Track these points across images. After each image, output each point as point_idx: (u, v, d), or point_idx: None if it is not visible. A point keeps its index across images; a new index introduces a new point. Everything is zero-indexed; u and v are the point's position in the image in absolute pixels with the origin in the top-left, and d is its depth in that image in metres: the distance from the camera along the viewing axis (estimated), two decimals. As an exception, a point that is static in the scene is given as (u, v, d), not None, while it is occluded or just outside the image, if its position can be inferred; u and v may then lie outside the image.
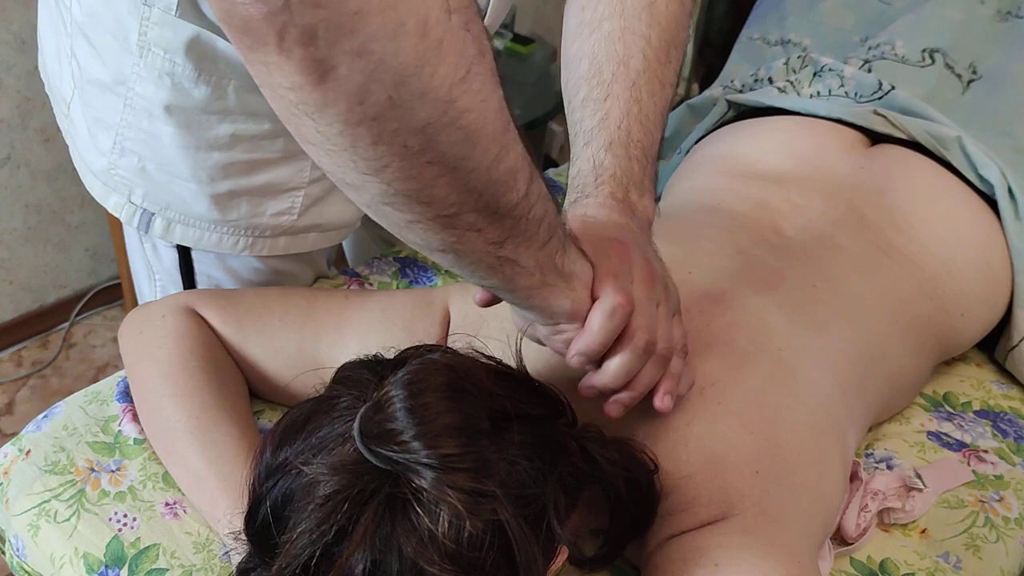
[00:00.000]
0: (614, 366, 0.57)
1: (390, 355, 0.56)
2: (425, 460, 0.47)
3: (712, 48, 2.28)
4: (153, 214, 0.79)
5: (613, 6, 0.66)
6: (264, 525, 0.51)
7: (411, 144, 0.42)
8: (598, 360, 0.57)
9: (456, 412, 0.49)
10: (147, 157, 0.76)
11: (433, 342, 0.70)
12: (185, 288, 0.87)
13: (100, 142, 0.77)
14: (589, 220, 0.61)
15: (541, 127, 1.87)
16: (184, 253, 0.85)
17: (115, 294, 1.78)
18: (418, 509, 0.47)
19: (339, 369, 0.56)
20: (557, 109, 1.65)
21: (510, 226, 0.49)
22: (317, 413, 0.53)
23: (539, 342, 0.61)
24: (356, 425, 0.49)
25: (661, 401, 0.59)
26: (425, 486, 0.47)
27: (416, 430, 0.48)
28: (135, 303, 1.70)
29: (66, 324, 1.74)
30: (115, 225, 1.59)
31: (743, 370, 0.67)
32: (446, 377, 0.51)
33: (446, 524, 0.47)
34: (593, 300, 0.56)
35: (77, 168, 0.85)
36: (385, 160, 0.43)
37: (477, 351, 0.57)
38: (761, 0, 1.44)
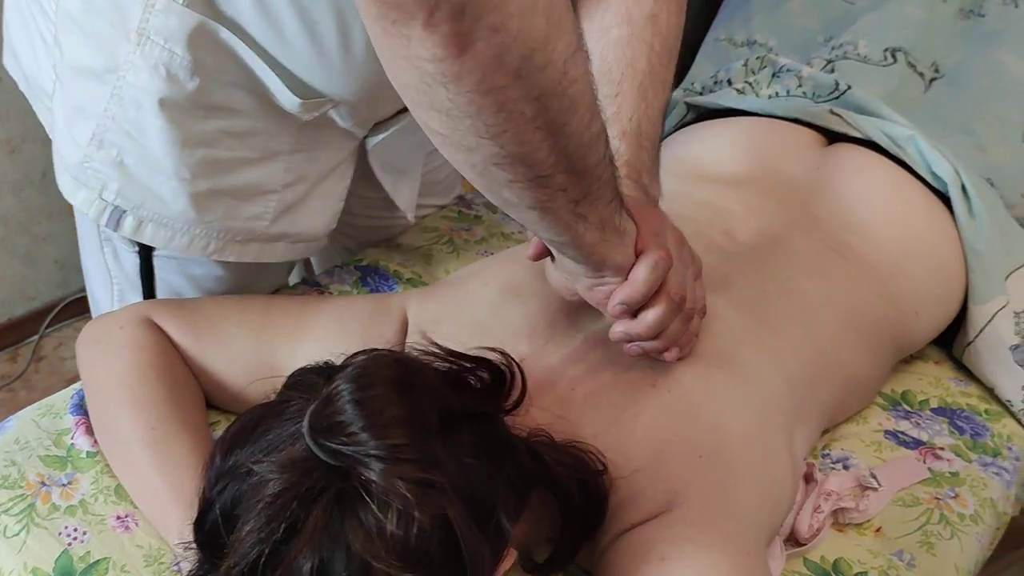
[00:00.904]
0: (651, 316, 0.62)
1: (342, 361, 0.57)
2: (373, 451, 0.48)
3: (685, 48, 2.29)
4: (124, 212, 0.77)
5: (620, 15, 0.72)
6: (213, 529, 0.52)
7: (527, 111, 0.48)
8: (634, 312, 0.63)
9: (404, 404, 0.50)
10: (127, 151, 0.75)
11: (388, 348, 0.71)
12: (144, 295, 0.86)
13: (77, 133, 0.76)
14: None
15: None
16: (146, 259, 0.84)
17: (85, 306, 1.75)
18: (367, 501, 0.47)
19: (290, 375, 0.57)
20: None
21: (587, 185, 0.55)
22: (267, 417, 0.53)
23: (571, 297, 0.67)
24: (306, 420, 0.49)
25: (672, 355, 0.65)
26: (374, 478, 0.47)
27: (364, 422, 0.48)
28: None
29: (35, 337, 1.72)
30: (84, 235, 1.58)
31: (692, 362, 0.68)
32: (394, 371, 0.51)
33: (395, 518, 0.47)
34: (636, 256, 0.62)
35: (55, 165, 0.83)
36: (504, 126, 0.48)
37: (433, 343, 0.58)
38: (728, 1, 1.44)
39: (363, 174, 0.90)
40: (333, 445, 0.48)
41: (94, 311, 0.95)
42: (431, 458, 0.49)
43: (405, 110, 0.75)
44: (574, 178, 0.54)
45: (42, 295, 1.73)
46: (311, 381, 0.54)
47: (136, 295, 0.87)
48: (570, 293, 0.67)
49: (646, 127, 0.70)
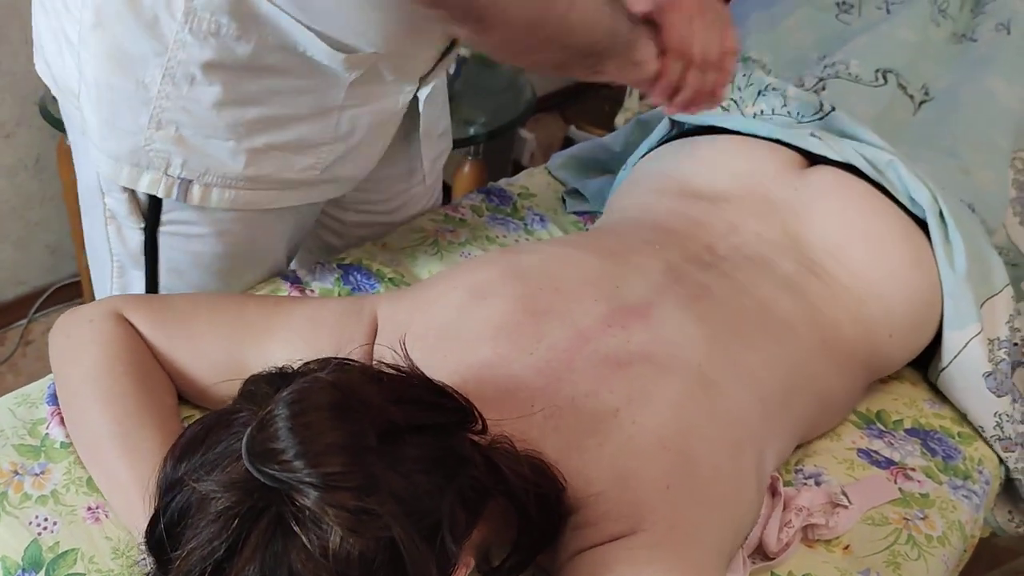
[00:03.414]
0: (688, 84, 0.81)
1: (299, 367, 0.56)
2: (307, 479, 0.47)
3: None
4: (191, 182, 0.82)
5: None
6: (160, 540, 0.52)
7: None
8: None
9: (340, 431, 0.49)
10: (184, 124, 0.79)
11: (358, 350, 0.71)
12: (147, 271, 0.88)
13: (127, 123, 0.79)
14: None
15: (510, 133, 1.88)
16: (151, 236, 0.87)
17: (75, 291, 1.77)
18: (302, 528, 0.47)
19: (245, 382, 0.57)
20: (526, 115, 1.67)
21: (594, 62, 0.78)
22: (216, 427, 0.53)
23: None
24: (243, 444, 0.49)
25: (718, 91, 0.84)
26: (308, 505, 0.47)
27: (298, 449, 0.48)
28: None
29: (24, 321, 1.73)
30: (76, 222, 1.58)
31: (660, 386, 0.68)
32: (330, 396, 0.51)
33: (335, 542, 0.47)
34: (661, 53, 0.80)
35: (79, 161, 0.89)
36: (537, 52, 0.75)
37: (381, 362, 0.58)
38: (724, 16, 1.45)
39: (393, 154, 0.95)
40: (269, 470, 0.48)
41: (96, 290, 0.97)
42: (368, 484, 0.49)
43: (441, 60, 0.90)
44: (584, 58, 0.74)
45: (32, 280, 1.73)
46: (261, 391, 0.54)
47: (138, 271, 0.89)
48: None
49: None
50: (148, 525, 0.53)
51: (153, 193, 0.83)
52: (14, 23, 1.50)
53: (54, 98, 1.50)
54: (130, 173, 0.82)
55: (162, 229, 0.86)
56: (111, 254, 0.90)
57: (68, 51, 0.80)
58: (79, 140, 0.87)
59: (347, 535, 0.47)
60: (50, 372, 0.78)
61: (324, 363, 0.56)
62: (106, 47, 0.76)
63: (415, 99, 0.91)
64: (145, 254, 0.88)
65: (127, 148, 0.80)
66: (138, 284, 0.90)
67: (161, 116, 0.78)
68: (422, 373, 0.59)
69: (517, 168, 2.05)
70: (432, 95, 0.93)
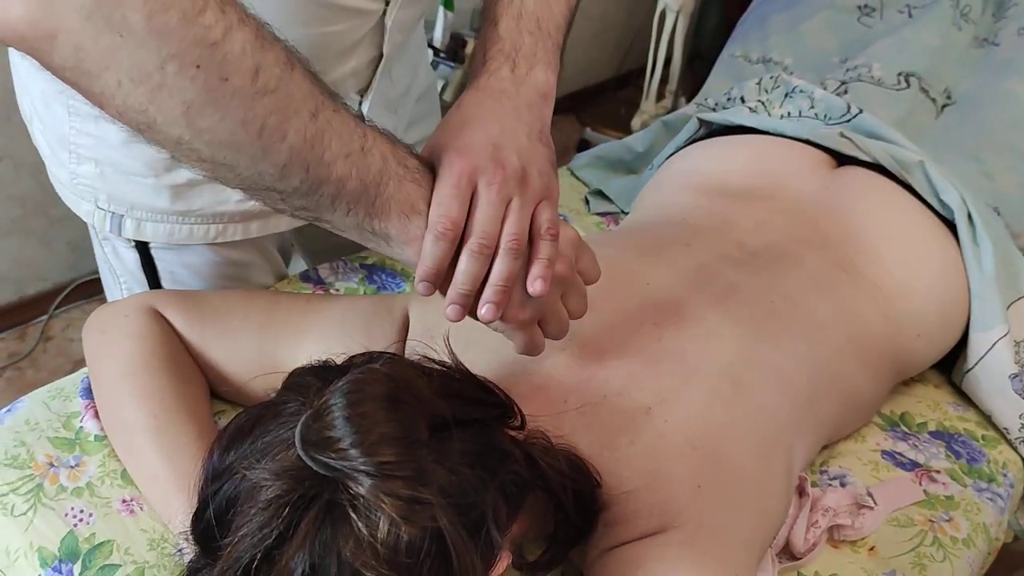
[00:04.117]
0: (456, 273, 0.58)
1: (341, 361, 0.57)
2: (362, 467, 0.48)
3: (703, 62, 2.31)
4: (122, 215, 0.81)
5: None
6: (208, 527, 0.52)
7: (179, 153, 0.52)
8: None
9: (394, 422, 0.50)
10: (102, 161, 0.77)
11: (390, 348, 0.71)
12: (151, 287, 0.88)
13: (59, 154, 0.80)
14: (470, 105, 0.63)
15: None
16: (144, 252, 0.86)
17: (95, 288, 1.78)
18: (356, 515, 0.48)
19: (289, 374, 0.57)
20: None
21: (304, 203, 0.55)
22: (264, 418, 0.54)
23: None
24: (297, 432, 0.50)
25: (532, 286, 0.59)
26: (362, 493, 0.48)
27: (354, 438, 0.49)
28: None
29: (45, 317, 1.74)
30: (97, 220, 1.59)
31: (691, 385, 0.68)
32: (385, 387, 0.51)
33: (384, 530, 0.48)
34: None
35: (53, 183, 0.87)
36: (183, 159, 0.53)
37: (426, 357, 0.58)
38: (745, 18, 1.45)
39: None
40: (323, 458, 0.49)
41: None
42: (420, 474, 0.49)
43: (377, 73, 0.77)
44: (280, 197, 0.54)
45: (54, 276, 1.74)
46: (308, 383, 0.55)
47: (142, 288, 0.89)
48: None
49: (531, 6, 0.66)
50: (195, 513, 0.54)
51: (90, 222, 0.82)
52: (40, 21, 1.51)
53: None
54: (72, 199, 0.82)
55: (153, 244, 0.85)
56: (115, 274, 0.90)
57: (21, 80, 0.81)
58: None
59: (398, 523, 0.47)
60: (71, 367, 0.79)
61: (370, 356, 0.57)
62: (36, 82, 0.77)
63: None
64: (144, 271, 0.87)
65: (65, 177, 0.81)
66: None
67: (79, 152, 0.78)
68: (465, 368, 0.60)
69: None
70: (387, 107, 0.85)
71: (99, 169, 0.78)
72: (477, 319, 0.60)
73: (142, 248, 0.85)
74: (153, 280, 0.88)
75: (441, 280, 0.59)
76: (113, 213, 0.81)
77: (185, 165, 0.54)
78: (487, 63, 0.65)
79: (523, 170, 0.60)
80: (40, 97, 0.77)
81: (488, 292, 0.58)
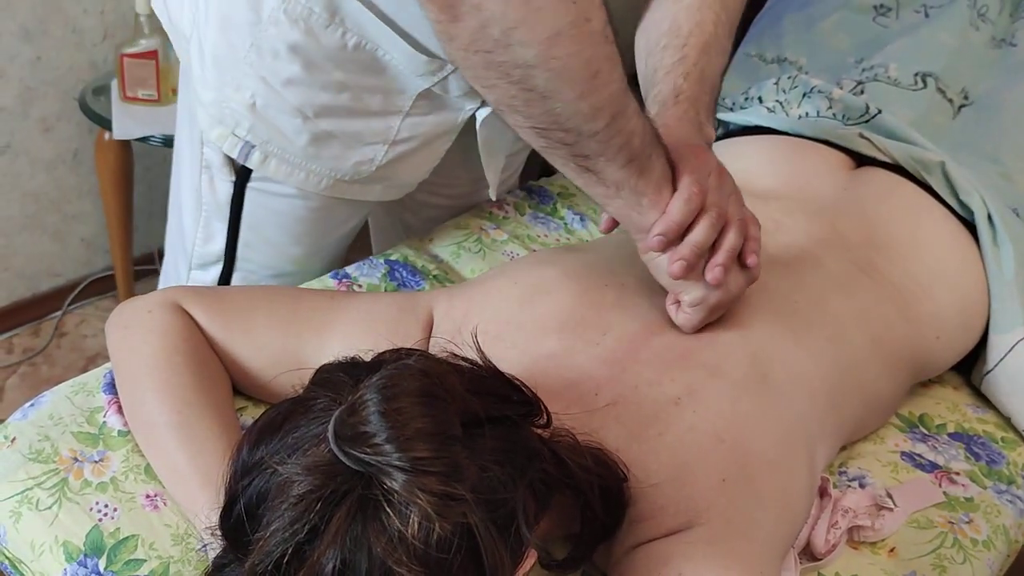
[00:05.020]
0: (693, 235, 0.69)
1: (368, 358, 0.57)
2: (397, 463, 0.48)
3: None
4: (254, 147, 0.87)
5: None
6: (238, 522, 0.52)
7: (513, 74, 0.60)
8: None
9: (429, 417, 0.50)
10: (260, 93, 0.84)
11: (416, 345, 0.72)
12: (230, 224, 0.94)
13: (214, 77, 0.85)
14: (672, 128, 0.75)
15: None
16: (239, 190, 0.92)
17: (109, 284, 1.79)
18: (388, 510, 0.48)
19: (317, 370, 0.57)
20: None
21: (590, 147, 0.65)
22: (294, 413, 0.54)
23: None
24: (331, 427, 0.50)
25: (748, 259, 0.71)
26: (396, 488, 0.48)
27: (389, 433, 0.49)
28: (129, 294, 1.72)
29: (59, 313, 1.75)
30: (111, 216, 1.60)
31: (719, 378, 0.69)
32: (420, 383, 0.52)
33: (416, 525, 0.48)
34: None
35: (181, 105, 0.95)
36: (493, 81, 0.62)
37: (453, 354, 0.59)
38: (760, 17, 1.45)
39: (462, 153, 0.97)
40: (357, 453, 0.49)
41: (178, 242, 1.01)
42: (454, 470, 0.50)
43: None
44: (575, 137, 0.63)
45: (67, 272, 1.75)
46: (337, 379, 0.55)
47: (222, 223, 0.95)
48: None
49: (708, 73, 0.78)
50: (224, 508, 0.54)
51: (219, 146, 0.88)
52: (57, 18, 1.51)
53: (94, 93, 1.53)
54: (207, 121, 0.88)
55: (251, 184, 0.91)
56: (200, 203, 0.95)
57: (189, 3, 0.86)
58: (186, 85, 0.93)
59: (431, 519, 0.48)
60: (84, 363, 0.79)
61: (401, 352, 0.57)
62: (217, 9, 0.82)
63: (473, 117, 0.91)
64: (231, 206, 0.93)
65: (211, 99, 0.86)
66: (219, 237, 0.95)
67: (241, 81, 0.84)
68: (494, 366, 0.60)
69: (546, 169, 2.06)
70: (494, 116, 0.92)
71: (252, 100, 0.84)
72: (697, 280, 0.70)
73: (239, 185, 0.91)
74: (235, 217, 0.94)
75: (677, 237, 0.69)
76: (246, 142, 0.87)
77: (490, 95, 0.64)
78: (677, 104, 0.77)
79: (732, 179, 0.74)
80: (218, 22, 0.82)
81: (720, 256, 0.69)
